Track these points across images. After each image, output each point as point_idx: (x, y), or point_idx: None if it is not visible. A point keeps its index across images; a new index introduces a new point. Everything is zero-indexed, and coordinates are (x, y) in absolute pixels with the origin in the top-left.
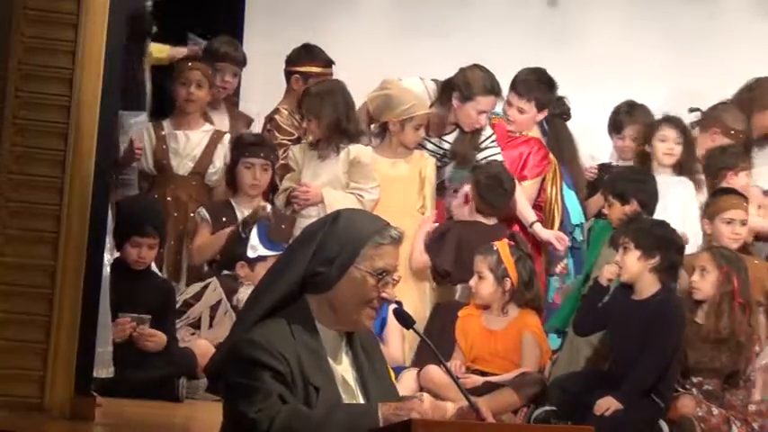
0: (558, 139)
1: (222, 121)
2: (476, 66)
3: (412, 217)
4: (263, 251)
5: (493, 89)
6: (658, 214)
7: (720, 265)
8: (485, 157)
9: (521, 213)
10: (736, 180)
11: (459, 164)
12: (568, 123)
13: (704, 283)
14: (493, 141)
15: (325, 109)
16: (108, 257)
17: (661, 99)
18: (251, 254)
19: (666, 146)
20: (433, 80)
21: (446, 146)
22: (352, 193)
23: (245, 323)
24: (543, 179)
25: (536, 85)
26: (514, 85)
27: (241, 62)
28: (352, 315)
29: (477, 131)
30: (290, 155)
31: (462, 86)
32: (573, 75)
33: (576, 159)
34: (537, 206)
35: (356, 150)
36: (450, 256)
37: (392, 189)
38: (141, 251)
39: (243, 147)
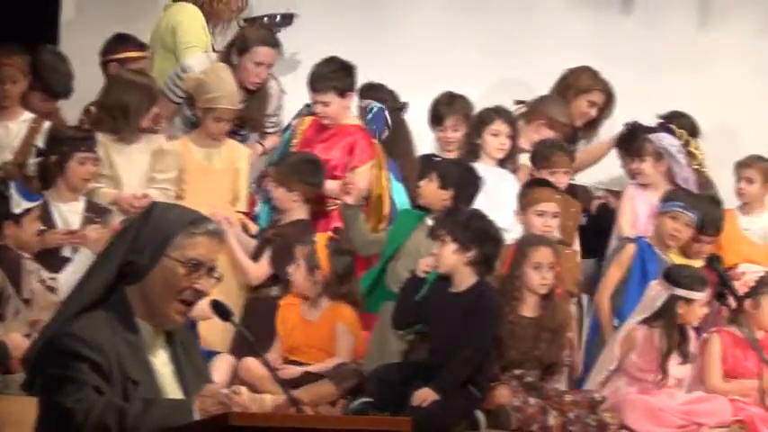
0: (395, 131)
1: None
2: (256, 21)
3: (224, 211)
4: (26, 203)
5: (268, 41)
6: (491, 207)
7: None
8: (272, 124)
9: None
10: (552, 178)
11: (251, 129)
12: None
13: (551, 277)
14: (279, 109)
15: (132, 97)
16: None
17: (482, 93)
18: (16, 209)
19: (499, 141)
20: (216, 53)
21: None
22: (158, 187)
23: (64, 315)
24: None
25: (328, 74)
26: (310, 83)
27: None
28: (161, 307)
29: (265, 97)
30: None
31: (238, 41)
32: (396, 70)
33: (410, 153)
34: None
35: (158, 139)
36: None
37: (205, 181)
38: None
39: (75, 141)
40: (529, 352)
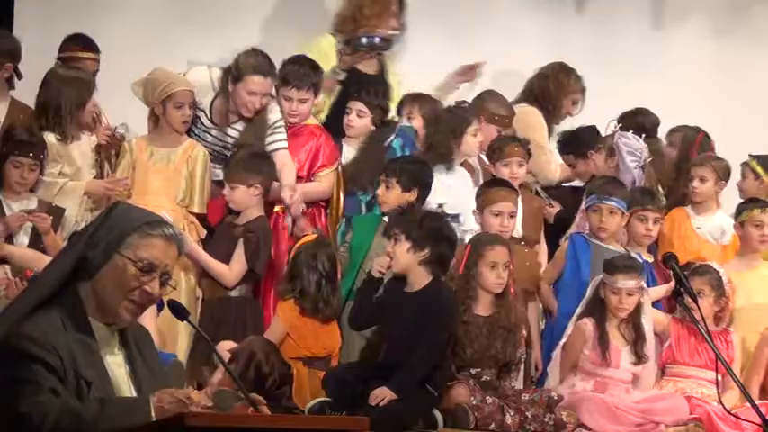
0: None
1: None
2: (252, 49)
3: (172, 211)
4: None
5: (262, 70)
6: (458, 206)
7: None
8: (270, 143)
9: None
10: (504, 171)
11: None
12: None
13: (506, 276)
14: (279, 127)
15: (68, 92)
16: None
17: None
18: None
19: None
20: (221, 69)
21: (230, 137)
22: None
23: (15, 314)
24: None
25: (308, 72)
26: (287, 80)
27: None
28: (111, 305)
29: (263, 120)
30: (50, 146)
31: (233, 68)
32: None
33: None
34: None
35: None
36: (264, 259)
37: (155, 180)
38: None
39: (13, 144)
40: (484, 351)
